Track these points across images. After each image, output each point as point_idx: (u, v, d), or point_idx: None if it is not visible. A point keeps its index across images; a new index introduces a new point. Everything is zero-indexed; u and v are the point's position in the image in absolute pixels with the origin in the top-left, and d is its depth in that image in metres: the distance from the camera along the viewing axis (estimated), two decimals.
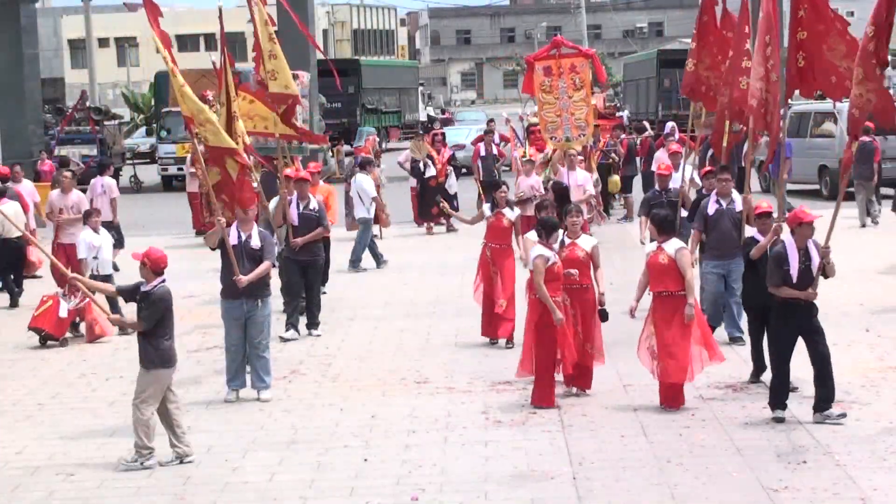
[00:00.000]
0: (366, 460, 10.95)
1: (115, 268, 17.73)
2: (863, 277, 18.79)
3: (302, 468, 10.83)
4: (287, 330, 16.00)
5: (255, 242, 13.05)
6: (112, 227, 19.88)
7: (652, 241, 13.00)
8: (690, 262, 12.56)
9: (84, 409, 13.16)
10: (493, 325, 15.38)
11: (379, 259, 22.02)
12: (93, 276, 16.32)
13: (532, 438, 11.39)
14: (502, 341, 15.30)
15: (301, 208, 15.94)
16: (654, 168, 25.42)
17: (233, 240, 12.97)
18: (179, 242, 25.57)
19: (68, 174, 19.75)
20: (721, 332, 14.66)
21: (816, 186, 30.41)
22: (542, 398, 12.34)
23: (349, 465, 10.82)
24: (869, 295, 17.55)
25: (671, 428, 11.57)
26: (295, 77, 23.99)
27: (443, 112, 70.87)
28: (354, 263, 21.84)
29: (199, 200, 26.05)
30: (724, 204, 14.77)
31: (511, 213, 15.49)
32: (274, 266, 13.59)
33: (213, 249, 13.37)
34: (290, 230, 15.89)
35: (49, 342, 16.43)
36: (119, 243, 19.42)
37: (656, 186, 17.02)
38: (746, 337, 13.68)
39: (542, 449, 11.07)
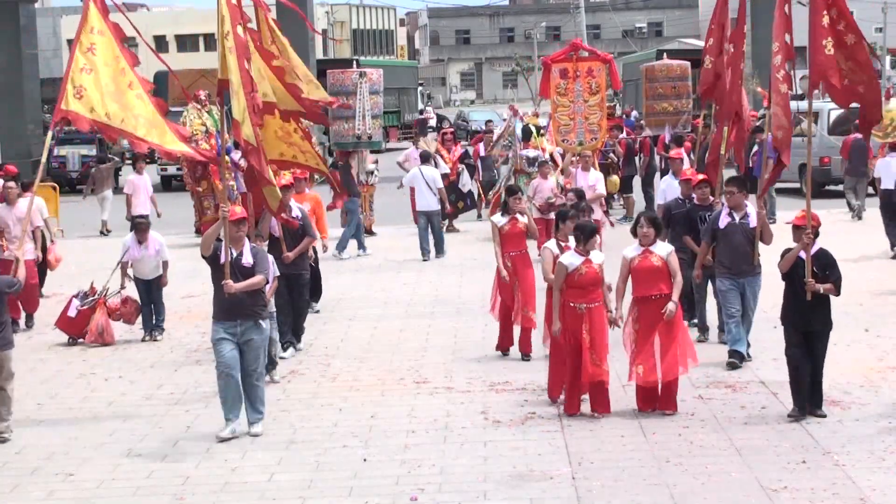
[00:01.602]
0: (365, 460, 10.95)
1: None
2: (862, 277, 18.75)
3: (301, 468, 10.83)
4: (285, 349, 15.12)
5: (247, 259, 12.12)
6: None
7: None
8: (679, 266, 12.33)
9: (83, 409, 13.17)
10: (519, 338, 14.75)
11: (440, 247, 23.17)
12: (137, 281, 16.61)
13: (531, 438, 11.39)
14: (512, 349, 14.83)
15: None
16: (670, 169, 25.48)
17: (223, 257, 12.07)
18: (179, 242, 25.52)
19: (12, 185, 18.11)
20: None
21: (797, 185, 30.42)
22: (568, 406, 12.15)
23: (348, 465, 10.82)
24: (869, 293, 17.52)
25: (670, 428, 11.57)
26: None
27: (420, 113, 66.37)
28: (434, 249, 22.89)
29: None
30: (737, 217, 13.74)
31: (524, 218, 14.80)
32: (268, 282, 12.57)
33: (204, 258, 12.18)
34: (283, 243, 15.08)
35: (79, 341, 16.51)
36: None
37: (679, 194, 15.67)
38: (753, 354, 13.72)
39: (542, 449, 11.07)
